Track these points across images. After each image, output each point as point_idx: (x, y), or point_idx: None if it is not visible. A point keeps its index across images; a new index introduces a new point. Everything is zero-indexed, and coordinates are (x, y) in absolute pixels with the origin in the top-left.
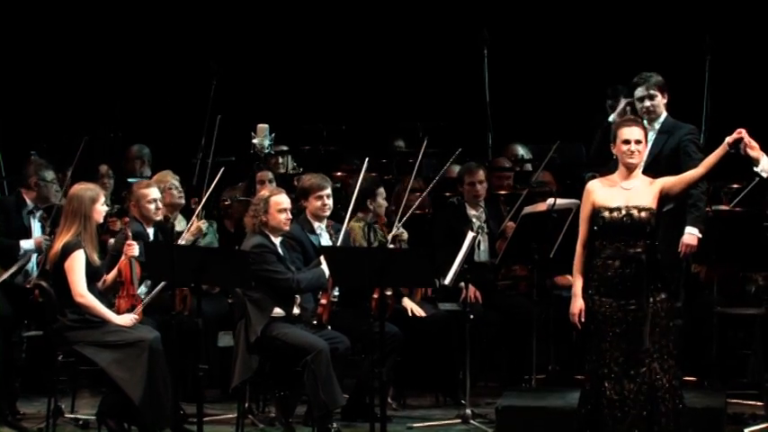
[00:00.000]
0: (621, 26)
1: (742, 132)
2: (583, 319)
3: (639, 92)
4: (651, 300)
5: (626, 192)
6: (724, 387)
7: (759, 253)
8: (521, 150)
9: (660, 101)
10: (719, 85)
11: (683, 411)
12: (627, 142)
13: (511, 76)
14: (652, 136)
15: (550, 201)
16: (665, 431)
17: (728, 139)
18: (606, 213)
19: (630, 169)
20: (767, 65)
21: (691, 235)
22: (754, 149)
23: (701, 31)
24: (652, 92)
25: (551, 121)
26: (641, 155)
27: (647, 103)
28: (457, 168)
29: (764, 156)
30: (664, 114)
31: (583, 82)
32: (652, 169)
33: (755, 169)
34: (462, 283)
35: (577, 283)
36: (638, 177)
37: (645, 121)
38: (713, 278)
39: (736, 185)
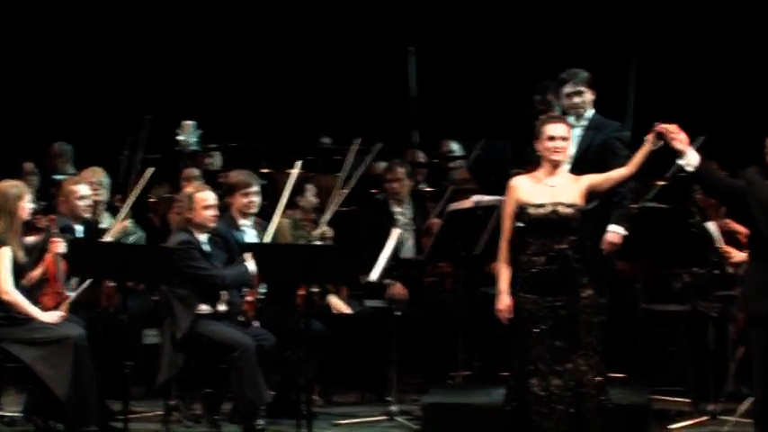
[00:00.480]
0: (548, 23)
1: (665, 127)
2: (510, 315)
3: (568, 88)
4: (577, 296)
5: (551, 188)
6: (649, 384)
7: (684, 250)
8: (454, 146)
9: (588, 97)
10: (645, 81)
11: (609, 408)
12: (552, 139)
13: (437, 74)
14: (579, 132)
15: (476, 198)
16: (591, 427)
17: (650, 137)
18: (532, 210)
19: (555, 166)
20: (691, 62)
21: (614, 233)
22: (680, 141)
23: (627, 30)
24: (580, 88)
25: (476, 119)
26: (566, 152)
27: (576, 99)
28: (383, 165)
29: (690, 149)
30: (591, 111)
31: (508, 79)
32: (579, 165)
33: (680, 162)
34: (388, 280)
35: (503, 280)
36: (563, 174)
37: (572, 118)
38: (638, 275)
39: (661, 182)
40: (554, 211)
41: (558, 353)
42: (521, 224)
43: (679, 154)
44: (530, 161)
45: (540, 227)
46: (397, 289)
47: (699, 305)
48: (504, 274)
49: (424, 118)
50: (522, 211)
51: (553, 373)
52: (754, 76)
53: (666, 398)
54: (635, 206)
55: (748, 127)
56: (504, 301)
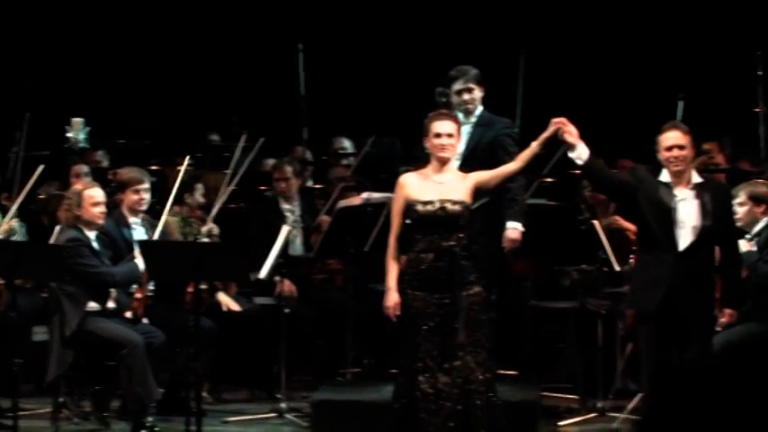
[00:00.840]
0: (437, 20)
1: (558, 124)
2: (397, 312)
3: (457, 85)
4: (465, 293)
5: (439, 185)
6: (539, 380)
7: (573, 247)
8: (346, 143)
9: (477, 94)
10: (533, 77)
11: (497, 404)
12: (438, 136)
13: (326, 71)
14: (469, 129)
15: (366, 194)
16: (479, 424)
17: (544, 135)
18: (420, 207)
19: (443, 163)
20: (580, 58)
21: (514, 229)
22: (570, 135)
23: (517, 25)
24: (470, 85)
25: (365, 116)
26: (453, 149)
27: (465, 96)
28: (272, 162)
29: (581, 143)
30: (480, 108)
31: (397, 76)
32: (469, 162)
33: (571, 155)
34: (277, 277)
35: (392, 276)
36: (452, 171)
37: (462, 115)
38: (527, 272)
39: (549, 179)
40: (442, 208)
41: (446, 350)
42: (408, 221)
43: (570, 147)
44: (419, 158)
45: (428, 224)
46: (286, 286)
47: (588, 302)
48: (392, 271)
49: (314, 115)
50: (410, 207)
51: (441, 371)
52: (639, 72)
53: (556, 394)
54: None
55: (635, 123)
56: (392, 298)
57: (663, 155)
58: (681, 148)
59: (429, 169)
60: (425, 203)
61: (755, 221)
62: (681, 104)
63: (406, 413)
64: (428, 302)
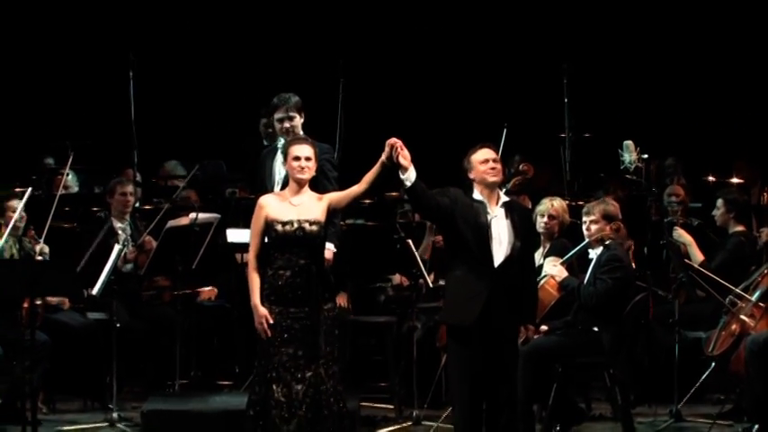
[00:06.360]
0: (261, 48)
1: (394, 143)
2: (271, 322)
3: (279, 113)
4: (321, 308)
5: (296, 207)
6: (358, 390)
7: (390, 264)
8: (176, 167)
9: (298, 121)
10: (352, 104)
11: (346, 414)
12: (297, 159)
13: (157, 96)
14: None
15: (193, 215)
16: None
17: (384, 156)
18: (279, 227)
19: (300, 185)
20: (402, 83)
21: (327, 250)
22: (405, 158)
23: (335, 54)
24: (291, 113)
25: (194, 140)
26: (311, 171)
27: (287, 124)
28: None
29: (412, 167)
30: (301, 134)
31: (223, 102)
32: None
33: (401, 176)
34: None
35: (255, 293)
36: (307, 193)
37: (284, 141)
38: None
39: (368, 201)
40: (300, 229)
41: (300, 361)
42: (267, 239)
43: (402, 169)
44: (243, 179)
45: (286, 243)
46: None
47: (405, 316)
48: (255, 288)
49: (143, 139)
50: (270, 227)
51: (295, 380)
52: (463, 100)
53: (374, 404)
54: (344, 223)
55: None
56: (262, 312)
57: (479, 169)
58: (495, 161)
59: (287, 191)
60: (284, 224)
61: (602, 241)
62: (504, 131)
63: (261, 420)
64: (284, 316)
